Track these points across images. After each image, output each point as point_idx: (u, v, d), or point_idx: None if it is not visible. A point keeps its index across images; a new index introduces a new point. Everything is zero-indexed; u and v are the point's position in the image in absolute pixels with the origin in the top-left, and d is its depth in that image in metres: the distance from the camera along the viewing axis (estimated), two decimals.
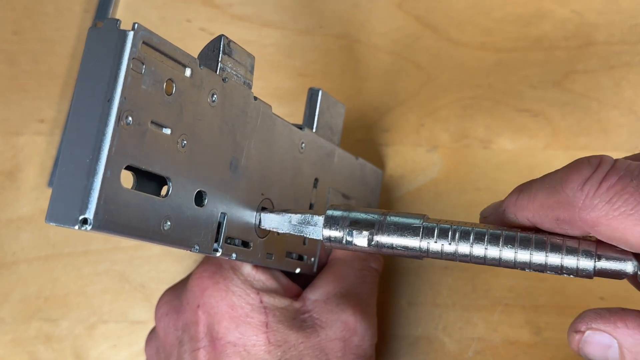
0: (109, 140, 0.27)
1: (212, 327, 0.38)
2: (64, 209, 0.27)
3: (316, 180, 0.42)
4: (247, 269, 0.39)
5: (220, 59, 0.33)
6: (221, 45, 0.33)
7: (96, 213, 0.27)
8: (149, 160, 0.29)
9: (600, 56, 0.51)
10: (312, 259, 0.42)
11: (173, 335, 0.40)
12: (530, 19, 0.52)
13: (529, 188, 0.33)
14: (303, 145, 0.40)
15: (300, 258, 0.42)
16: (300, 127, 0.40)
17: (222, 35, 0.34)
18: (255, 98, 0.36)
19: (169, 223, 0.31)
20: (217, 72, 0.33)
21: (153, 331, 0.43)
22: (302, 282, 0.42)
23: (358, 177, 0.47)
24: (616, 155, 0.32)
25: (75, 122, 0.28)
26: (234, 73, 0.34)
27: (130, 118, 0.28)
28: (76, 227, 0.27)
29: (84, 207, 0.27)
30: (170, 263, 0.52)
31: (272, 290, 0.39)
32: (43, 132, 0.54)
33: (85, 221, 0.27)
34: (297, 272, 0.41)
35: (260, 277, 0.39)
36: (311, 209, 0.42)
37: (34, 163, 0.53)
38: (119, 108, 0.27)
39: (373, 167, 0.49)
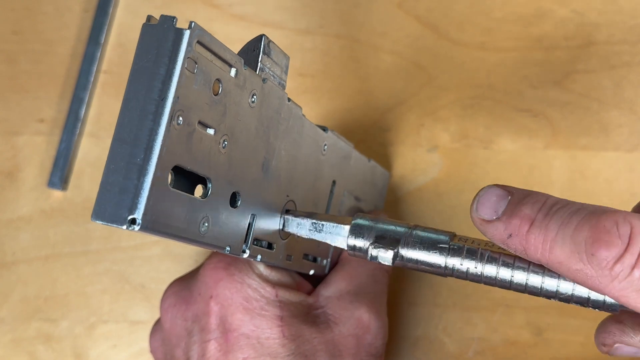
0: (161, 139, 0.27)
1: (225, 319, 0.38)
2: (112, 208, 0.27)
3: (334, 182, 0.42)
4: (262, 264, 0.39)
5: (260, 59, 0.33)
6: (262, 45, 0.33)
7: (145, 213, 0.26)
8: (193, 160, 0.29)
9: (601, 56, 0.51)
10: (325, 261, 0.42)
11: (181, 327, 0.39)
12: (531, 19, 0.52)
13: (545, 228, 0.29)
14: (325, 147, 0.40)
15: (314, 260, 0.42)
16: (323, 129, 0.40)
17: (263, 35, 0.33)
18: (289, 99, 0.35)
19: (206, 224, 0.31)
20: (257, 72, 0.33)
21: (158, 323, 0.43)
22: (311, 280, 0.42)
23: (369, 179, 0.47)
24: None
25: (126, 120, 0.27)
26: (271, 73, 0.34)
27: (181, 118, 0.28)
28: (124, 226, 0.26)
29: (133, 207, 0.26)
30: (170, 263, 0.51)
31: (287, 285, 0.39)
32: (43, 132, 0.54)
33: (133, 221, 0.26)
34: (310, 273, 0.41)
35: (275, 272, 0.39)
36: (327, 211, 0.42)
37: (33, 163, 0.53)
38: (172, 108, 0.27)
39: (382, 170, 0.49)
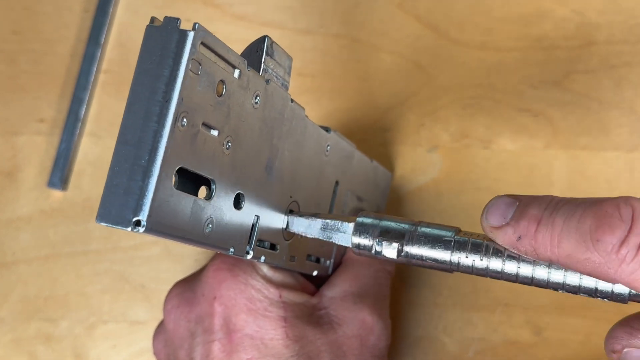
0: (165, 141, 0.27)
1: (228, 320, 0.38)
2: (117, 210, 0.27)
3: (337, 182, 0.42)
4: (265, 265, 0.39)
5: (263, 60, 0.33)
6: (265, 46, 0.33)
7: (149, 215, 0.27)
8: (198, 162, 0.29)
9: (601, 56, 0.51)
10: (328, 262, 0.42)
11: (184, 328, 0.39)
12: (531, 19, 0.52)
13: (552, 225, 0.29)
14: (328, 148, 0.40)
15: (317, 261, 0.42)
16: (326, 130, 0.40)
17: (266, 36, 0.33)
18: (292, 100, 0.35)
19: (210, 225, 0.31)
20: (261, 74, 0.33)
21: (161, 324, 0.43)
22: (315, 281, 0.42)
23: (371, 180, 0.47)
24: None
25: (131, 122, 0.27)
26: (274, 74, 0.34)
27: (185, 120, 0.28)
28: (129, 228, 0.26)
29: (138, 209, 0.26)
30: (170, 263, 0.51)
31: (290, 286, 0.39)
32: (42, 132, 0.54)
33: (138, 223, 0.26)
34: (314, 274, 0.41)
35: (278, 273, 0.39)
36: (330, 212, 0.42)
37: (33, 163, 0.53)
38: (176, 109, 0.27)
39: (384, 170, 0.49)
